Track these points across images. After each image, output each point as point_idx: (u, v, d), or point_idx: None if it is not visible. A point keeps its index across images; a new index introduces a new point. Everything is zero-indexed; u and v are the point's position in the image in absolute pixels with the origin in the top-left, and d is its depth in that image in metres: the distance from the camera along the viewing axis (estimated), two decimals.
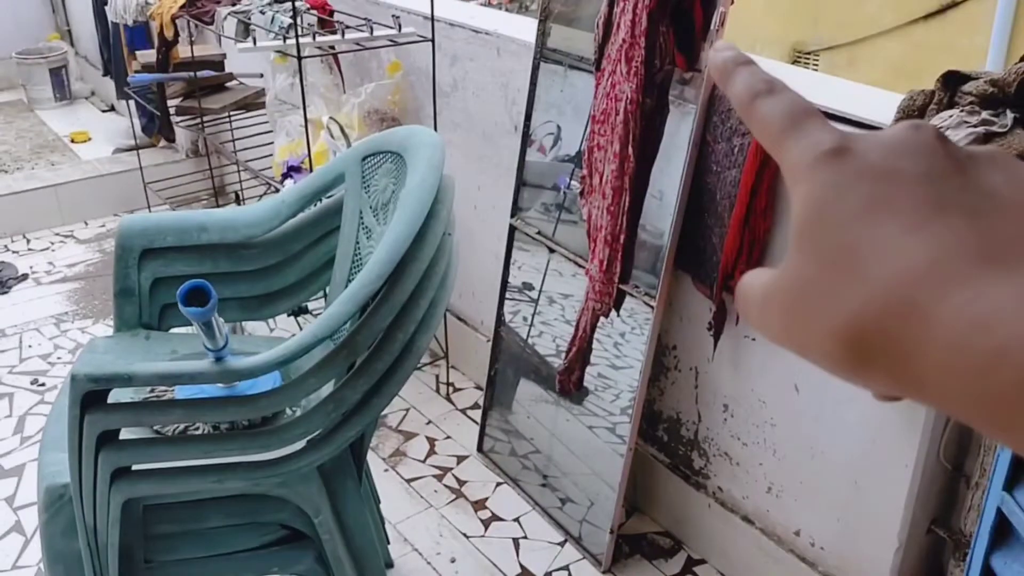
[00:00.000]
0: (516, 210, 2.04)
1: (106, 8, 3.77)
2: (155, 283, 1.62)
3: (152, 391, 1.43)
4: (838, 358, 0.26)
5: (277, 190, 2.89)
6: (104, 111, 4.67)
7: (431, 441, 2.25)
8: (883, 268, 0.25)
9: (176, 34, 2.43)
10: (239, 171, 3.06)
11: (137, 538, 1.27)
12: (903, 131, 0.28)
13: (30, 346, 2.68)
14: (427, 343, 1.34)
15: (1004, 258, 0.24)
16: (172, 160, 3.60)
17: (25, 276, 3.08)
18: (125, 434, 1.24)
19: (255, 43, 2.05)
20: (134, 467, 1.22)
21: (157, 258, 1.60)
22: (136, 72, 2.68)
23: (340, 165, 1.63)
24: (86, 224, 3.47)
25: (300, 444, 1.26)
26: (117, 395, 1.27)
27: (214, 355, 1.18)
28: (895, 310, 0.24)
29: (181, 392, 1.39)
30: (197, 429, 1.34)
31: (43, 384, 2.49)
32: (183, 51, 2.61)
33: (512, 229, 2.05)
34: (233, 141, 2.79)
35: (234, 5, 2.46)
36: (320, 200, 1.67)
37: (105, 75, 4.41)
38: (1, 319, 2.82)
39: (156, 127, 3.61)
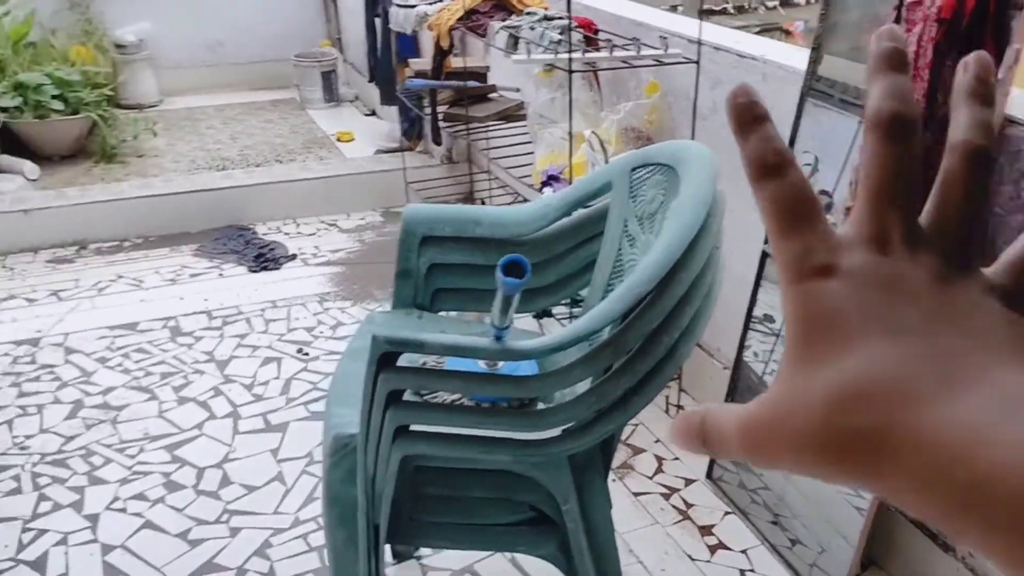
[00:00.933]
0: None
1: (379, 19, 4.12)
2: (431, 268, 1.78)
3: (423, 363, 1.58)
4: (822, 468, 0.27)
5: (525, 199, 3.04)
6: (366, 115, 5.08)
7: (659, 459, 2.30)
8: (867, 397, 0.26)
9: (451, 45, 2.64)
10: (489, 178, 3.25)
11: (407, 495, 1.41)
12: (902, 264, 0.28)
13: (297, 319, 2.98)
14: (689, 352, 1.39)
15: (964, 379, 0.25)
16: (427, 164, 3.87)
17: (294, 256, 3.43)
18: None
19: (529, 55, 2.19)
20: (413, 427, 1.36)
21: (435, 245, 1.76)
22: (410, 78, 2.93)
23: (607, 174, 1.72)
24: (348, 215, 3.80)
25: (559, 431, 1.35)
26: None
27: (495, 333, 1.29)
28: (880, 432, 0.25)
29: (450, 364, 1.53)
30: (461, 402, 1.47)
31: (307, 353, 2.77)
32: (453, 61, 2.82)
33: (764, 256, 2.06)
34: (487, 149, 2.96)
35: (503, 20, 2.63)
36: (585, 206, 1.76)
37: (370, 81, 4.79)
38: (274, 292, 3.16)
39: (416, 132, 3.89)
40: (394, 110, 4.34)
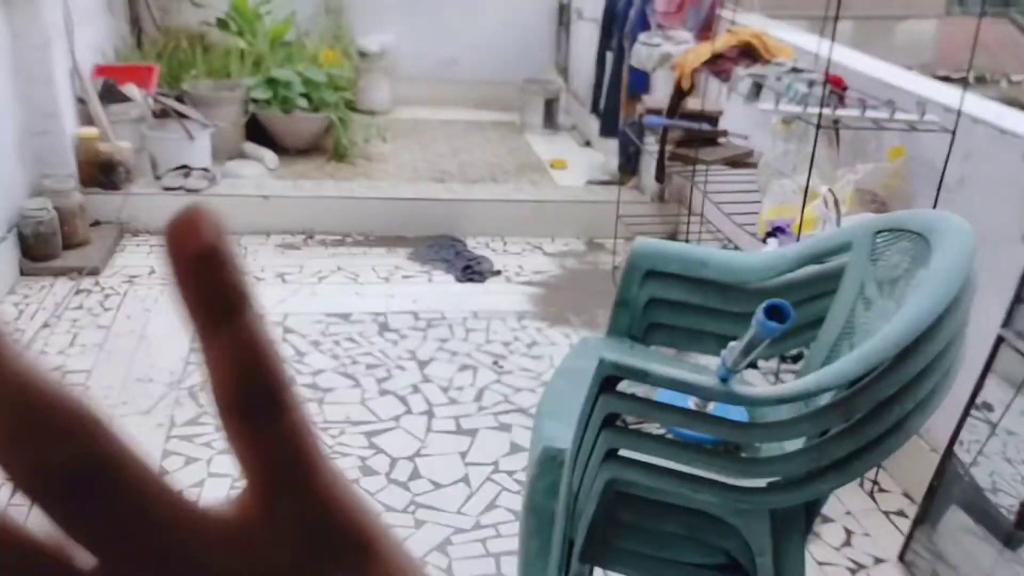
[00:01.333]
0: (1008, 321, 1.93)
1: (611, 52, 4.21)
2: (649, 302, 1.80)
3: (631, 392, 1.60)
4: None
5: (736, 247, 3.00)
6: (581, 145, 5.18)
7: (848, 532, 2.20)
8: None
9: (692, 86, 2.66)
10: (701, 221, 3.24)
11: (604, 517, 1.42)
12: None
13: (495, 331, 3.07)
14: (919, 426, 1.33)
15: None
16: (638, 200, 3.90)
17: (499, 272, 3.54)
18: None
19: (777, 104, 2.17)
20: (622, 453, 1.37)
21: (658, 280, 1.77)
22: (641, 114, 2.97)
23: (848, 234, 1.68)
24: (552, 240, 3.89)
25: (766, 482, 1.33)
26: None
27: (722, 374, 1.29)
28: None
29: (659, 397, 1.53)
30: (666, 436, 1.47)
31: (501, 366, 2.85)
32: (690, 102, 2.84)
33: (999, 341, 1.93)
34: (709, 193, 2.95)
35: (748, 67, 2.62)
36: (818, 262, 1.73)
37: (591, 113, 4.89)
38: (476, 303, 3.28)
39: (632, 167, 3.93)
40: (611, 143, 4.40)
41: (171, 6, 5.14)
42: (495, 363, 2.86)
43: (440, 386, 2.72)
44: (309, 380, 2.72)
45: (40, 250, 3.29)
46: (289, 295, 3.28)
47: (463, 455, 2.40)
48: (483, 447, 2.44)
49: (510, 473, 2.33)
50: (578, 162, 4.79)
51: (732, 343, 1.27)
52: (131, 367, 2.75)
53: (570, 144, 5.23)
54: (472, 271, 3.51)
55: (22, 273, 3.27)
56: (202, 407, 2.57)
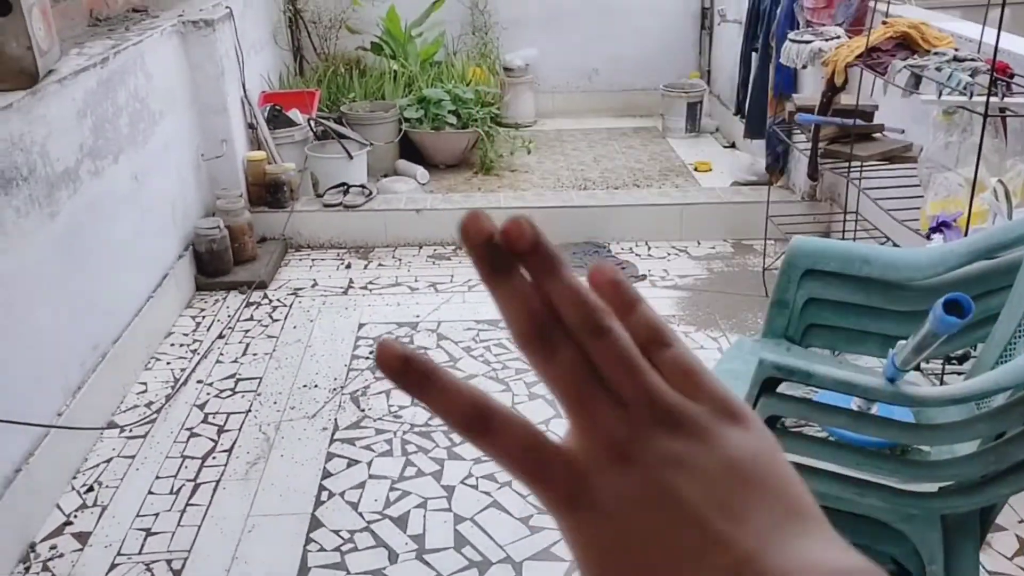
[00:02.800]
0: None
1: (756, 52, 4.13)
2: (807, 302, 1.76)
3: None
4: None
5: (894, 243, 2.88)
6: (725, 147, 5.10)
7: (1021, 541, 2.07)
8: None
9: (845, 81, 2.58)
10: (856, 219, 3.12)
11: None
12: (644, 458, 0.29)
13: None
14: None
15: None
16: (787, 199, 3.80)
17: (644, 277, 3.54)
18: None
19: (940, 95, 2.08)
20: None
21: (817, 279, 1.73)
22: (791, 113, 2.90)
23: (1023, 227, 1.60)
24: (699, 243, 3.85)
25: (937, 486, 1.28)
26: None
27: (891, 374, 1.25)
28: None
29: (819, 398, 1.50)
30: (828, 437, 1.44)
31: None
32: (843, 98, 2.75)
33: None
34: (865, 190, 2.85)
35: (905, 59, 2.52)
36: (990, 257, 1.65)
37: (736, 114, 4.81)
38: None
39: (780, 167, 3.84)
40: (756, 143, 4.31)
41: (330, 34, 5.42)
42: None
43: None
44: None
45: (213, 266, 3.54)
46: (442, 303, 3.39)
47: None
48: None
49: None
50: (723, 164, 4.72)
51: (901, 341, 1.24)
52: (298, 374, 2.91)
53: (714, 146, 5.15)
54: None
55: (198, 288, 3.53)
56: (363, 411, 2.69)
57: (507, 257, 0.31)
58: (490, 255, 0.31)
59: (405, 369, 0.30)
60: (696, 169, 4.74)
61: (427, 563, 2.10)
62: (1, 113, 2.20)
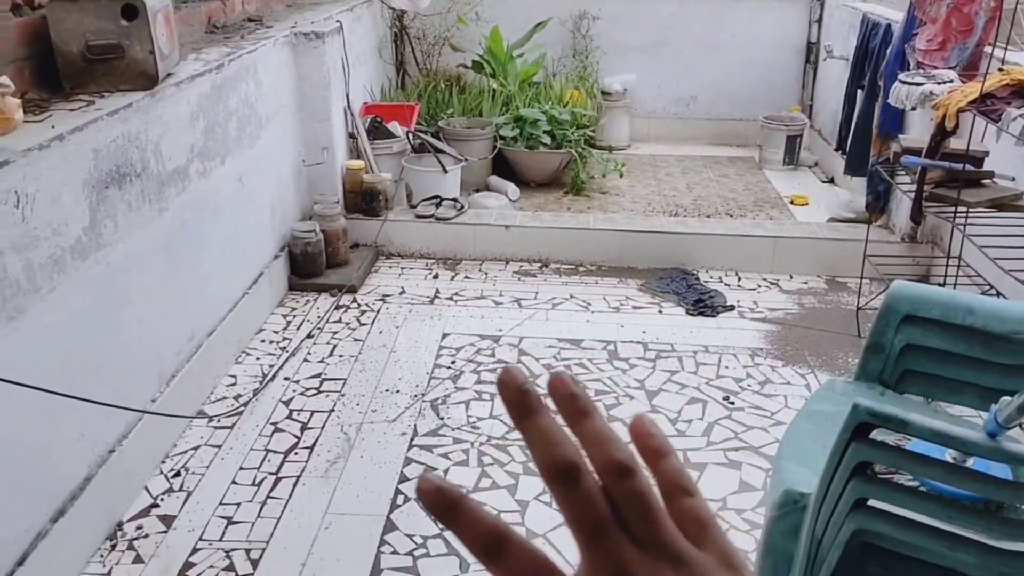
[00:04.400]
0: None
1: (861, 90, 4.04)
2: (904, 348, 1.72)
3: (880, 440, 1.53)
4: None
5: (998, 293, 2.78)
6: (823, 182, 5.00)
7: None
8: None
9: (956, 126, 2.51)
10: (959, 264, 3.03)
11: (847, 567, 1.37)
12: None
13: (726, 367, 3.03)
14: None
15: None
16: (886, 240, 3.70)
17: (732, 307, 3.49)
18: None
19: None
20: (871, 503, 1.32)
21: (916, 326, 1.69)
22: (897, 153, 2.83)
23: None
24: (791, 277, 3.78)
25: None
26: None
27: (991, 429, 1.21)
28: None
29: (912, 447, 1.46)
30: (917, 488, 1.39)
31: (733, 402, 2.80)
32: (952, 142, 2.68)
33: None
34: (965, 236, 2.76)
35: (1020, 107, 2.44)
36: None
37: (837, 150, 4.72)
38: (707, 337, 3.25)
39: (880, 206, 3.75)
40: (856, 181, 4.22)
41: (433, 50, 5.53)
42: (726, 399, 2.82)
43: (668, 417, 2.72)
44: None
45: (307, 268, 3.64)
46: (525, 319, 3.41)
47: None
48: (711, 483, 2.41)
49: (739, 511, 2.29)
50: (820, 199, 4.63)
51: (1005, 398, 1.20)
52: (381, 378, 2.97)
53: (811, 181, 5.06)
54: (704, 304, 3.48)
55: (290, 288, 3.64)
56: (442, 420, 2.73)
57: (538, 400, 0.35)
58: (521, 402, 0.35)
59: (440, 498, 0.33)
60: (792, 202, 4.67)
61: None
62: (121, 112, 2.31)
